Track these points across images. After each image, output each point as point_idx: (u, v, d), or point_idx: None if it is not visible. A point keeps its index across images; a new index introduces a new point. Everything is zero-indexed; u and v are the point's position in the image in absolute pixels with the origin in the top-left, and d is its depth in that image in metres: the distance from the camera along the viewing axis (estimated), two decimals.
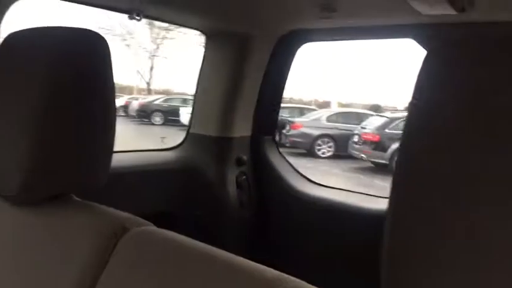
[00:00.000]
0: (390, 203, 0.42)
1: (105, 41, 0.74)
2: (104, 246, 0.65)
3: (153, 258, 0.61)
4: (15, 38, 0.76)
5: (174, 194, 1.66)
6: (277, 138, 1.94)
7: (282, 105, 1.87)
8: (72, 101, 0.70)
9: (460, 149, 0.38)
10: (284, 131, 8.52)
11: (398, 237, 0.41)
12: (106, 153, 0.76)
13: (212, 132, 1.72)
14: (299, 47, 1.73)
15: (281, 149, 1.89)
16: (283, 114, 9.26)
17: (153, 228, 0.67)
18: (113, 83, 0.75)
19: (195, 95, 1.77)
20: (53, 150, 0.69)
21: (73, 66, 0.70)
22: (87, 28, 0.74)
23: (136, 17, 1.33)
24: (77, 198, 0.77)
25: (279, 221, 1.78)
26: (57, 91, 0.68)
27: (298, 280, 0.53)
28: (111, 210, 0.72)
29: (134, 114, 13.84)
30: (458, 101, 0.39)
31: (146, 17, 1.39)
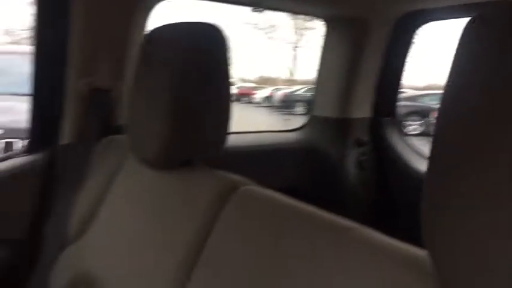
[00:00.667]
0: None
1: (224, 33, 0.90)
2: (218, 202, 0.77)
3: (264, 213, 0.70)
4: (155, 33, 0.96)
5: (296, 172, 1.79)
6: (422, 127, 1.92)
7: (422, 92, 1.85)
8: (196, 86, 0.87)
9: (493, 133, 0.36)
10: (427, 119, 8.11)
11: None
12: (223, 128, 0.92)
13: (332, 113, 1.81)
14: (417, 28, 1.72)
15: (426, 138, 1.87)
16: (424, 102, 8.76)
17: (266, 190, 0.76)
18: (228, 71, 0.90)
19: (316, 80, 1.88)
20: (182, 123, 0.88)
21: (197, 56, 0.87)
22: (210, 23, 0.91)
23: (259, 9, 1.49)
24: (203, 165, 0.95)
25: (400, 203, 1.79)
26: (185, 76, 0.86)
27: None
28: (231, 174, 0.84)
29: (278, 104, 14.40)
30: (493, 82, 0.37)
31: (268, 8, 1.54)
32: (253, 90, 17.13)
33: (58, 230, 1.10)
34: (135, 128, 0.94)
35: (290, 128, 1.95)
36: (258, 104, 15.16)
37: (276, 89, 15.50)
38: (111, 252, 0.92)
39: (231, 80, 0.90)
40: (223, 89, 0.89)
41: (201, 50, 0.87)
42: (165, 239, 0.81)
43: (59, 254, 1.05)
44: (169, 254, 0.77)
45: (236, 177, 0.83)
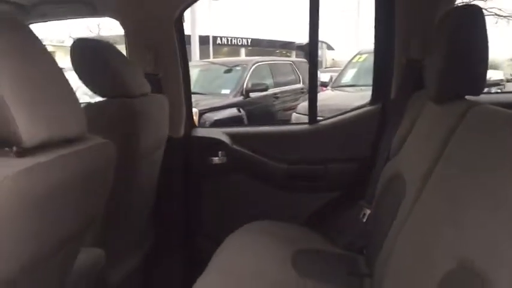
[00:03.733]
0: None
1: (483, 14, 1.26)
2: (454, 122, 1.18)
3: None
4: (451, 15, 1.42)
5: None
6: None
7: None
8: None
9: None
10: None
11: None
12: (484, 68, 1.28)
13: None
14: None
15: None
16: None
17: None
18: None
19: None
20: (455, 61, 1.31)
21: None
22: (472, 4, 1.30)
23: None
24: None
25: None
26: None
27: None
28: None
29: None
30: None
31: None
32: None
33: (386, 150, 1.73)
34: (428, 72, 1.42)
35: None
36: None
37: None
38: (412, 162, 1.47)
39: None
40: None
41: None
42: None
43: (385, 165, 1.69)
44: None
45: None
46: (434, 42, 1.37)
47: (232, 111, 5.79)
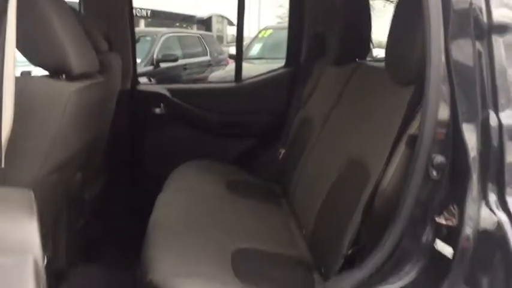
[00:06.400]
0: None
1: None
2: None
3: None
4: None
5: None
6: None
7: None
8: None
9: None
10: None
11: None
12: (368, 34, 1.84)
13: None
14: None
15: None
16: None
17: None
18: None
19: None
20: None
21: None
22: None
23: None
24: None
25: None
26: None
27: None
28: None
29: None
30: None
31: None
32: None
33: (297, 103, 2.24)
34: (329, 41, 1.95)
35: None
36: None
37: None
38: (317, 108, 1.99)
39: None
40: None
41: None
42: None
43: (296, 115, 2.19)
44: None
45: None
46: (334, 19, 1.90)
47: (143, 81, 5.95)
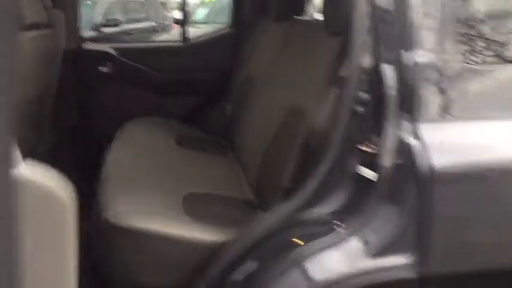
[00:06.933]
0: None
1: None
2: None
3: None
4: None
5: None
6: None
7: None
8: None
9: None
10: None
11: None
12: None
13: None
14: None
15: None
16: None
17: None
18: None
19: None
20: None
21: None
22: None
23: None
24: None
25: None
26: None
27: None
28: None
29: None
30: None
31: None
32: None
33: (241, 61, 2.32)
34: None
35: None
36: None
37: None
38: (258, 66, 2.09)
39: None
40: None
41: None
42: None
43: (241, 73, 2.28)
44: None
45: None
46: None
47: None
